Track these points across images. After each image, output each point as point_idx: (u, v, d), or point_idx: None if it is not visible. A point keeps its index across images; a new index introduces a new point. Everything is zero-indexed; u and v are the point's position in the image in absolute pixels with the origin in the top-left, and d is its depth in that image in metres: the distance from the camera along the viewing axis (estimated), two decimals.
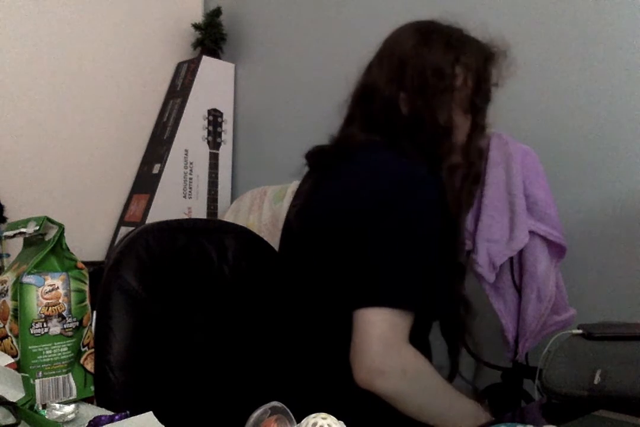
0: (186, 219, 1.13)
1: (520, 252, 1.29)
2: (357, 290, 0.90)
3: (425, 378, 0.91)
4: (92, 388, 0.78)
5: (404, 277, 0.90)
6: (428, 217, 0.94)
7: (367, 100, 1.05)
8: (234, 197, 2.41)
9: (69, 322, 0.75)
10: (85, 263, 0.80)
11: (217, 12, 2.47)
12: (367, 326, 0.87)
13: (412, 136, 1.02)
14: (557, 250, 1.32)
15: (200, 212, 2.34)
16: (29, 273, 0.73)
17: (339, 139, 1.08)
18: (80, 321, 0.77)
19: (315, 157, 1.10)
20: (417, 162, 1.00)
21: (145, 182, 2.35)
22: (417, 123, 1.01)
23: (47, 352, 0.73)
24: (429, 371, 0.92)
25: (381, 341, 0.87)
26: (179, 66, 2.53)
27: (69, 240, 0.78)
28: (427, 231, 0.94)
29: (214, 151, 2.36)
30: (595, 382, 0.77)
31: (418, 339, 0.92)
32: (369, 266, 0.91)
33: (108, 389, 0.88)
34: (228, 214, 2.18)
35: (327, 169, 1.05)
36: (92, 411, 0.72)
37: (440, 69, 1.01)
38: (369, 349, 0.86)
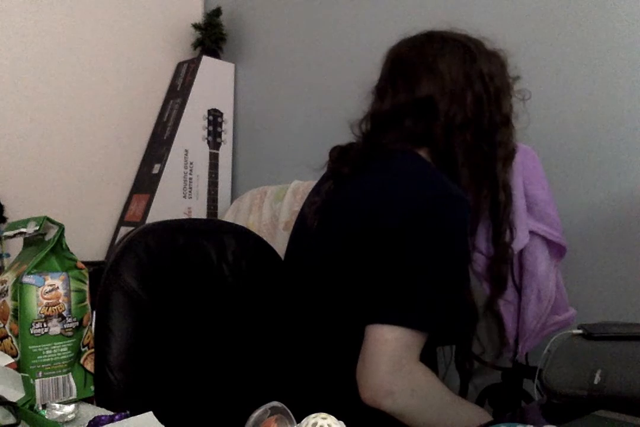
0: (186, 219, 1.13)
1: (520, 252, 1.29)
2: (372, 304, 0.88)
3: (433, 395, 0.90)
4: (92, 388, 0.78)
5: (426, 297, 0.88)
6: (459, 238, 0.92)
7: (422, 115, 1.02)
8: (234, 197, 2.41)
9: (69, 322, 0.75)
10: (85, 263, 0.80)
11: (217, 12, 2.47)
12: (379, 343, 0.85)
13: (470, 157, 1.01)
14: (557, 250, 1.31)
15: (200, 212, 2.34)
16: (29, 273, 0.73)
17: (372, 144, 1.05)
18: (80, 321, 0.77)
19: (342, 157, 1.07)
20: (455, 177, 0.99)
21: (145, 182, 2.35)
22: (479, 143, 1.02)
23: (47, 352, 0.73)
24: (437, 388, 0.90)
25: (392, 360, 0.85)
26: (179, 66, 2.53)
27: (69, 240, 0.78)
28: (458, 252, 0.92)
29: (214, 151, 2.36)
30: (595, 382, 0.77)
31: (426, 350, 0.91)
32: (391, 281, 0.89)
33: (108, 389, 0.88)
34: (228, 214, 2.18)
35: (353, 171, 1.02)
36: (92, 411, 0.72)
37: (495, 76, 1.03)
38: (378, 369, 0.85)
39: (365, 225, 0.93)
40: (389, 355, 0.85)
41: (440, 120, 1.00)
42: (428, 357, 0.92)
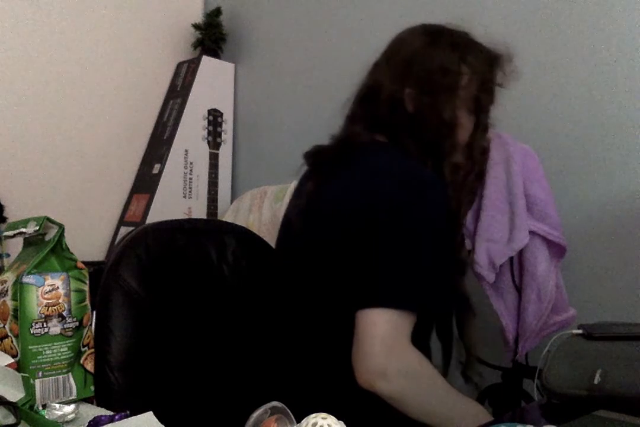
0: (186, 219, 1.13)
1: (520, 252, 1.29)
2: (360, 291, 0.90)
3: (427, 379, 0.91)
4: (92, 388, 0.78)
5: (408, 278, 0.90)
6: (435, 218, 0.94)
7: (371, 100, 1.05)
8: (234, 197, 2.41)
9: (69, 322, 0.75)
10: (85, 263, 0.80)
11: (217, 12, 2.47)
12: (369, 326, 0.87)
13: (415, 133, 1.02)
14: (557, 250, 1.31)
15: (200, 212, 2.34)
16: (29, 273, 0.73)
17: (341, 139, 1.08)
18: (80, 321, 0.77)
19: (317, 156, 1.09)
20: (420, 162, 1.00)
21: (145, 182, 2.35)
22: (421, 120, 1.01)
23: (47, 352, 0.73)
24: (431, 372, 0.91)
25: (384, 342, 0.86)
26: (179, 66, 2.53)
27: (69, 240, 0.78)
28: (434, 233, 0.94)
29: (214, 151, 2.36)
30: (595, 382, 0.77)
31: (419, 343, 0.92)
32: (373, 266, 0.91)
33: (108, 389, 0.88)
34: (228, 214, 2.18)
35: (331, 169, 1.04)
36: (92, 411, 0.72)
37: (445, 67, 1.02)
38: (371, 351, 0.86)
39: (350, 224, 0.95)
40: (381, 337, 0.86)
41: (385, 108, 1.02)
42: (422, 351, 0.92)
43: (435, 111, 1.01)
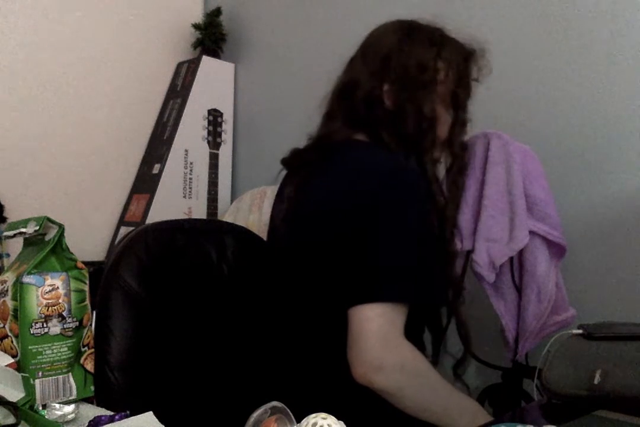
0: (186, 219, 1.13)
1: (520, 252, 1.29)
2: (351, 287, 0.90)
3: (423, 374, 0.91)
4: (92, 388, 0.78)
5: (398, 271, 0.90)
6: (419, 210, 0.95)
7: (348, 95, 1.06)
8: (234, 197, 2.41)
9: (69, 322, 0.75)
10: (85, 263, 0.80)
11: (217, 12, 2.47)
12: (363, 322, 0.87)
13: (395, 129, 1.02)
14: (557, 250, 1.31)
15: (200, 212, 2.34)
16: (29, 273, 0.73)
17: (319, 138, 1.08)
18: (80, 321, 0.77)
19: (296, 159, 1.10)
20: (399, 155, 1.01)
21: (145, 182, 2.35)
22: (400, 115, 1.02)
23: (47, 352, 0.73)
24: (427, 367, 0.92)
25: (379, 336, 0.87)
26: (179, 66, 2.53)
27: (69, 240, 0.78)
28: (420, 224, 0.94)
29: (214, 151, 2.36)
30: (595, 382, 0.77)
31: (412, 340, 0.92)
32: (362, 263, 0.91)
33: (108, 389, 0.88)
34: (228, 214, 2.18)
35: (311, 171, 1.04)
36: (92, 411, 0.72)
37: (422, 62, 1.03)
38: (366, 345, 0.86)
39: (338, 225, 0.95)
40: (375, 331, 0.86)
41: (363, 105, 1.03)
42: (416, 345, 0.92)
43: (414, 107, 1.02)
